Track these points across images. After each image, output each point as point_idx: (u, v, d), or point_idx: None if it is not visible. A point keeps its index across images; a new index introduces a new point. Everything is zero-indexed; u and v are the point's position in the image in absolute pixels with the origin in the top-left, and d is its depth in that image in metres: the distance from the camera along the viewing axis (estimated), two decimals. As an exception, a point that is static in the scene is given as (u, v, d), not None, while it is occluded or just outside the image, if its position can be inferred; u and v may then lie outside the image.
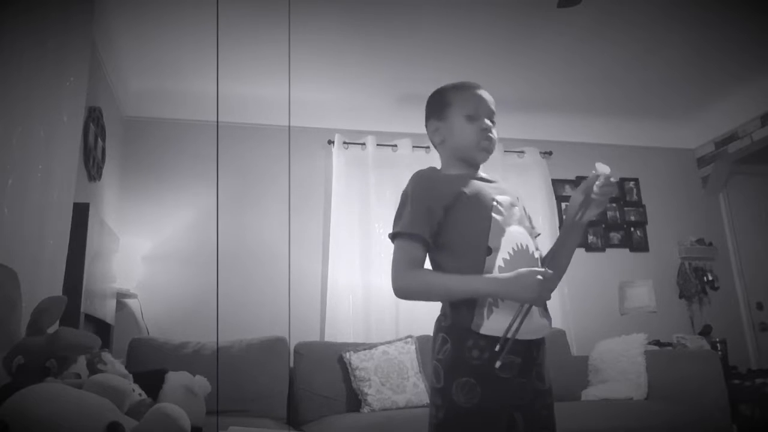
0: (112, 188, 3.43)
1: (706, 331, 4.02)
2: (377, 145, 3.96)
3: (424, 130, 1.54)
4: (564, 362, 3.44)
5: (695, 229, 4.44)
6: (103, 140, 3.08)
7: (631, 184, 4.47)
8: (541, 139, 4.32)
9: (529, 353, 1.30)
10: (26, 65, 1.93)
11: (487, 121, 1.45)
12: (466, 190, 1.39)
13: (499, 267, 1.30)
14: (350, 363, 3.12)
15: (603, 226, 4.32)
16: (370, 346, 3.22)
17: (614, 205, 4.39)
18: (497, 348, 1.23)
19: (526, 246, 1.35)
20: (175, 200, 3.71)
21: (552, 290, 1.29)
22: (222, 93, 3.76)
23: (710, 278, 4.31)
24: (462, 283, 1.29)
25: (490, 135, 1.45)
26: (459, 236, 1.35)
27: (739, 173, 4.62)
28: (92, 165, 2.91)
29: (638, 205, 4.44)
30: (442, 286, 1.32)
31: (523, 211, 1.43)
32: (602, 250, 4.28)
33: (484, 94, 1.49)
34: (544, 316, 1.35)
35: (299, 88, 3.77)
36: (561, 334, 3.60)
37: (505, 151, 4.10)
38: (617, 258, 4.28)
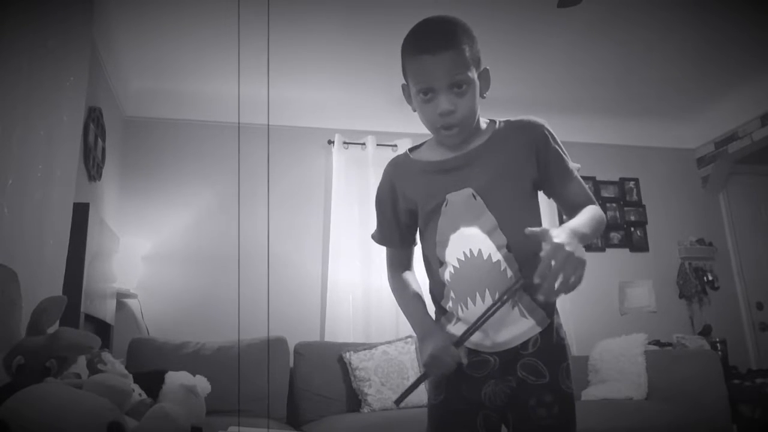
0: (112, 188, 3.43)
1: (706, 331, 4.02)
2: (377, 145, 3.96)
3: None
4: (564, 362, 3.44)
5: (695, 229, 4.44)
6: (103, 140, 3.08)
7: (631, 184, 4.47)
8: (541, 139, 4.32)
9: (509, 354, 1.18)
10: (26, 65, 1.93)
11: (445, 102, 1.14)
12: (420, 191, 1.24)
13: (447, 282, 1.22)
14: (350, 363, 3.12)
15: (603, 226, 4.32)
16: (370, 346, 3.22)
17: (614, 205, 4.40)
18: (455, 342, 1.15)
19: (479, 251, 1.16)
20: (175, 200, 3.71)
21: (450, 366, 1.13)
22: (220, 93, 3.77)
23: (710, 278, 4.31)
24: (406, 314, 1.32)
25: (449, 122, 1.16)
26: (422, 245, 1.30)
27: (739, 173, 4.62)
28: (92, 165, 2.91)
29: (638, 205, 4.44)
30: (400, 305, 1.34)
31: (500, 195, 1.18)
32: (602, 250, 4.28)
33: (440, 56, 1.12)
34: (528, 315, 1.17)
35: (299, 87, 3.77)
36: (561, 334, 3.60)
37: (505, 151, 4.09)
38: (617, 258, 4.28)
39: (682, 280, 4.28)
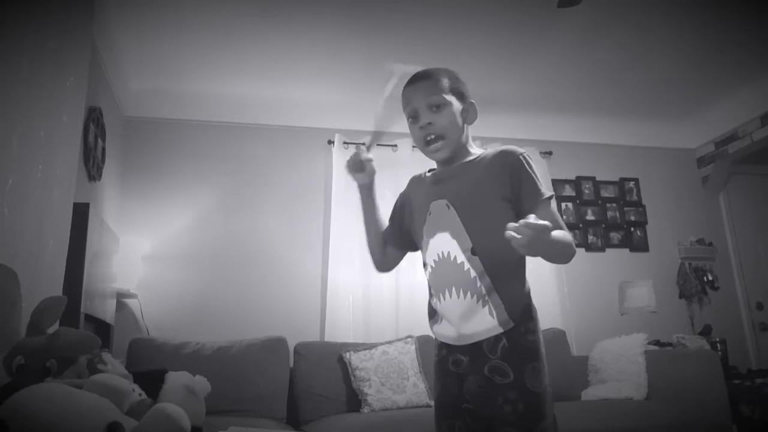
0: (112, 188, 3.43)
1: (706, 331, 4.02)
2: (377, 145, 3.92)
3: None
4: (564, 362, 3.44)
5: (695, 229, 4.44)
6: (103, 140, 3.08)
7: (631, 184, 4.47)
8: (541, 139, 4.32)
9: (475, 352, 1.32)
10: (26, 65, 1.93)
11: (424, 117, 1.39)
12: (419, 198, 1.47)
13: (429, 280, 1.44)
14: (350, 363, 3.12)
15: (603, 226, 4.32)
16: (370, 346, 3.22)
17: (614, 205, 4.40)
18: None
19: (448, 253, 1.35)
20: (175, 200, 3.71)
21: (354, 159, 1.63)
22: (221, 92, 3.77)
23: (710, 278, 4.31)
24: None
25: (428, 133, 1.40)
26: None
27: (739, 173, 4.62)
28: (92, 165, 2.91)
29: (638, 205, 4.44)
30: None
31: (470, 206, 1.36)
32: (602, 250, 4.28)
33: (418, 84, 1.41)
34: (494, 315, 1.31)
35: (300, 88, 3.77)
36: (561, 334, 3.60)
37: (505, 151, 4.09)
38: (617, 258, 4.28)
39: (682, 280, 4.28)
